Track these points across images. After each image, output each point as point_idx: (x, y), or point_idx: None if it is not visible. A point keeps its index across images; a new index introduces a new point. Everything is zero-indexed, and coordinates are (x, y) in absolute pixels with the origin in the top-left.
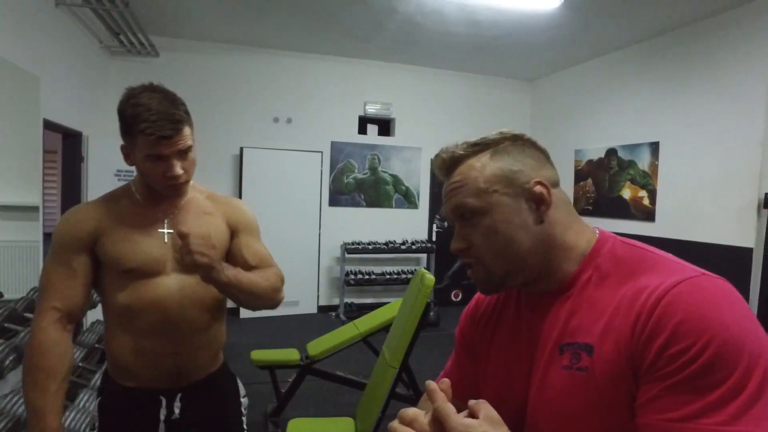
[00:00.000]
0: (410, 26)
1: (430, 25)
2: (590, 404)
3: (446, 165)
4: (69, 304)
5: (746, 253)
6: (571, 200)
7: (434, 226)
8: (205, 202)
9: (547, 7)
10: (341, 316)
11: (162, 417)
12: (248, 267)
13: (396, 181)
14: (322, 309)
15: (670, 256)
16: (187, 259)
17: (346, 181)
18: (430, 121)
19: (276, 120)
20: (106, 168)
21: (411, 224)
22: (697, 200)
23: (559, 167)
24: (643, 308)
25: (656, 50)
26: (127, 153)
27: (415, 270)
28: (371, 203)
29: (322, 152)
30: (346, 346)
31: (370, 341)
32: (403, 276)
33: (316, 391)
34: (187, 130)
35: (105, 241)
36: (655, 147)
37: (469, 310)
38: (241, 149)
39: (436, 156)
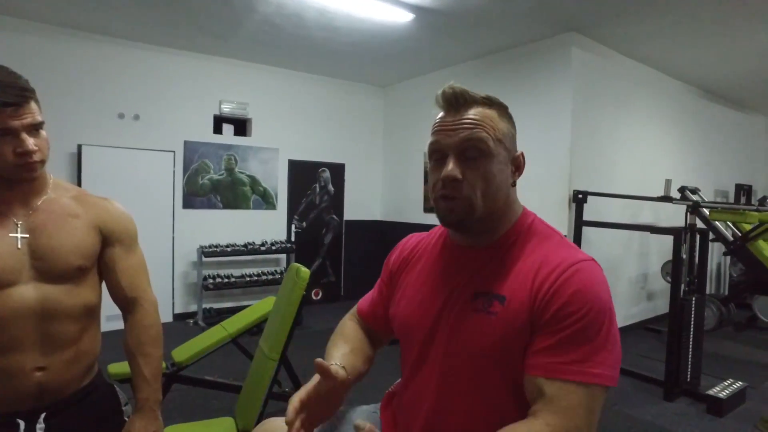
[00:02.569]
0: (269, 27)
1: (290, 28)
2: (494, 341)
3: (459, 100)
4: None
5: None
6: (421, 199)
7: (293, 226)
8: (70, 202)
9: (400, 20)
10: (200, 322)
11: None
12: (119, 289)
13: (254, 182)
14: (178, 317)
15: (566, 240)
16: None
17: (201, 182)
18: (288, 122)
19: (121, 116)
20: None
21: (269, 225)
22: (527, 196)
23: (411, 168)
24: (548, 278)
25: (491, 66)
26: None
27: (276, 270)
28: (228, 205)
29: (174, 152)
30: (215, 349)
31: (240, 342)
32: (264, 277)
33: (182, 400)
34: (35, 105)
35: None
36: None
37: (399, 246)
38: (79, 147)
39: (445, 90)
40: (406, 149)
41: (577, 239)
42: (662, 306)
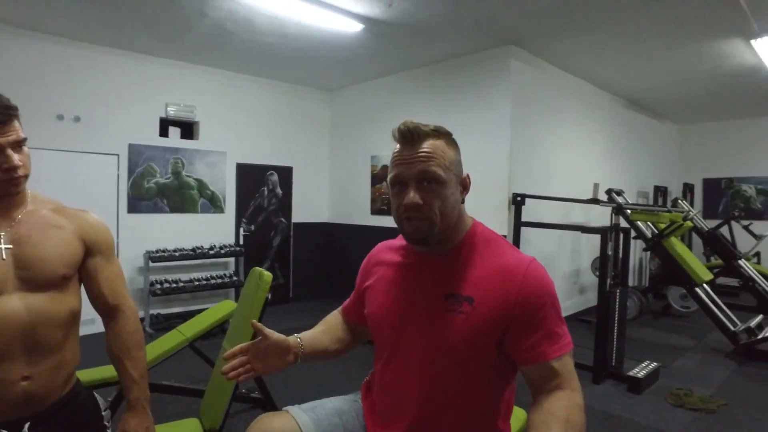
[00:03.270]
0: (219, 31)
1: (240, 33)
2: (466, 335)
3: (413, 135)
4: None
5: None
6: (369, 201)
7: (241, 229)
8: (51, 215)
9: (351, 29)
10: (147, 328)
11: None
12: (102, 297)
13: (201, 185)
14: None
15: (507, 242)
16: None
17: (147, 186)
18: (235, 125)
19: (60, 117)
20: None
21: (218, 229)
22: (471, 200)
23: (358, 171)
24: (513, 282)
25: (435, 75)
26: None
27: (225, 274)
28: (175, 209)
29: (118, 155)
30: (172, 354)
31: (196, 346)
32: (213, 281)
33: None
34: (17, 123)
35: None
36: None
37: (371, 254)
38: None
39: (401, 128)
40: (352, 152)
41: (517, 239)
42: (592, 299)
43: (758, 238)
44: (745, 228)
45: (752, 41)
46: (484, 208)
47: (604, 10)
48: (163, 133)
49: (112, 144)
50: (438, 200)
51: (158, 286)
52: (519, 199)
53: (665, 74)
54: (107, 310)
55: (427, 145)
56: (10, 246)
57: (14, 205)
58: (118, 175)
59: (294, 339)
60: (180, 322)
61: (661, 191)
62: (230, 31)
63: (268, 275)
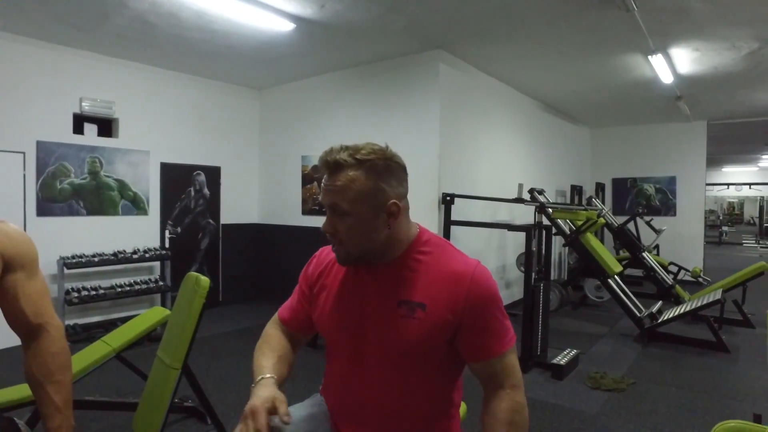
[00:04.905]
0: (141, 24)
1: (164, 27)
2: (420, 338)
3: (330, 166)
4: None
5: None
6: (300, 202)
7: (167, 232)
8: None
9: (282, 29)
10: None
11: None
12: (22, 316)
13: (122, 186)
14: None
15: (454, 247)
16: None
17: (60, 186)
18: (159, 123)
19: None
20: None
21: (141, 231)
22: None
23: (288, 172)
24: (461, 287)
25: (366, 75)
26: None
27: (150, 279)
28: (93, 211)
29: (24, 153)
30: (97, 366)
31: (124, 356)
32: (137, 287)
33: None
34: None
35: None
36: None
37: (316, 257)
38: None
39: (323, 156)
40: (283, 152)
41: (447, 237)
42: (518, 293)
43: (658, 232)
44: (647, 223)
45: (649, 57)
46: (415, 207)
47: (522, 21)
48: (78, 130)
49: (17, 141)
50: (346, 228)
51: (75, 294)
52: (448, 198)
53: (578, 81)
54: (28, 330)
55: (342, 177)
56: None
57: None
58: (24, 175)
59: (274, 392)
60: (101, 332)
61: (577, 190)
62: (153, 24)
63: (205, 280)
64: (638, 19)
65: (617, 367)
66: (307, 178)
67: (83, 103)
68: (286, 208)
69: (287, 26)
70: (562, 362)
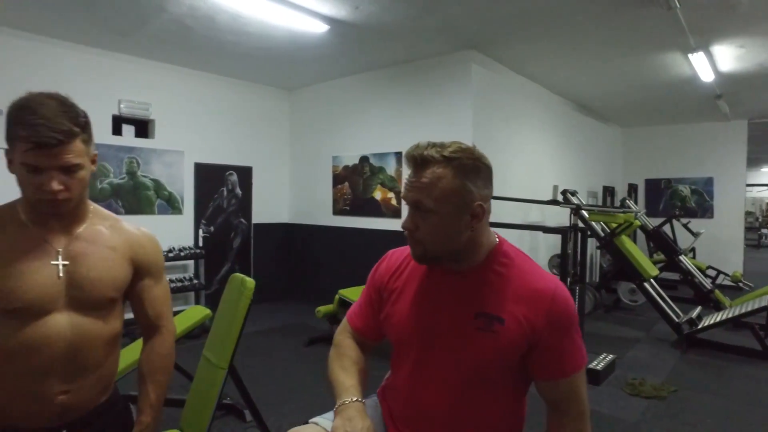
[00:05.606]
0: (178, 27)
1: (200, 30)
2: (497, 354)
3: (417, 162)
4: None
5: None
6: (331, 202)
7: (200, 231)
8: (108, 232)
9: (316, 30)
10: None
11: None
12: (145, 316)
13: (158, 186)
14: None
15: (532, 260)
16: None
17: (100, 186)
18: (193, 124)
19: (2, 113)
20: None
21: (176, 230)
22: None
23: (318, 172)
24: (542, 305)
25: (398, 76)
26: (10, 159)
27: (184, 277)
28: (131, 210)
29: None
30: None
31: None
32: (172, 285)
33: None
34: (77, 146)
35: None
36: (398, 156)
37: (385, 260)
38: None
39: (410, 151)
40: (313, 152)
41: None
42: None
43: (695, 234)
44: (684, 226)
45: (689, 55)
46: None
47: (557, 19)
48: (116, 131)
49: None
50: (427, 227)
51: None
52: None
53: (613, 81)
54: (147, 329)
55: (428, 174)
56: (67, 263)
57: (75, 220)
58: None
59: (370, 423)
60: (137, 328)
61: (609, 191)
62: (189, 27)
63: (251, 282)
64: (680, 17)
65: (656, 374)
66: (338, 178)
67: (121, 105)
68: (317, 208)
69: (321, 28)
70: (599, 367)
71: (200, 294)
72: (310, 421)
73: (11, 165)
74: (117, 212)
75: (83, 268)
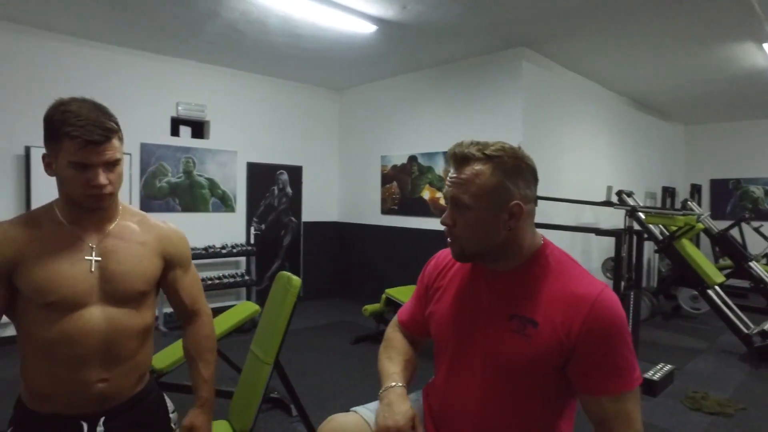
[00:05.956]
0: (231, 31)
1: (252, 33)
2: (528, 359)
3: (457, 159)
4: None
5: None
6: (379, 201)
7: (252, 229)
8: (137, 228)
9: (364, 31)
10: (161, 327)
11: None
12: (182, 305)
13: (212, 184)
14: None
15: (579, 265)
16: None
17: (159, 185)
18: (245, 124)
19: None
20: None
21: (229, 228)
22: None
23: (367, 171)
24: (580, 310)
25: (447, 75)
26: (49, 162)
27: (236, 273)
28: (187, 208)
29: (131, 154)
30: None
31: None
32: (225, 280)
33: None
34: (116, 143)
35: (25, 271)
36: None
37: (434, 260)
38: (27, 149)
39: (451, 149)
40: (362, 152)
41: None
42: None
43: None
44: (756, 230)
45: (765, 44)
46: None
47: (615, 13)
48: (174, 132)
49: (125, 143)
50: (464, 223)
51: None
52: None
53: (674, 75)
54: (186, 315)
55: (467, 171)
56: (99, 259)
57: (107, 218)
58: (130, 174)
59: (410, 407)
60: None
61: (669, 192)
62: (242, 31)
63: (297, 280)
64: (753, 3)
65: (721, 389)
66: (386, 178)
67: (179, 107)
68: (366, 207)
69: (369, 28)
70: (656, 377)
71: (251, 290)
72: (351, 409)
73: (50, 168)
74: (174, 210)
75: (113, 263)
